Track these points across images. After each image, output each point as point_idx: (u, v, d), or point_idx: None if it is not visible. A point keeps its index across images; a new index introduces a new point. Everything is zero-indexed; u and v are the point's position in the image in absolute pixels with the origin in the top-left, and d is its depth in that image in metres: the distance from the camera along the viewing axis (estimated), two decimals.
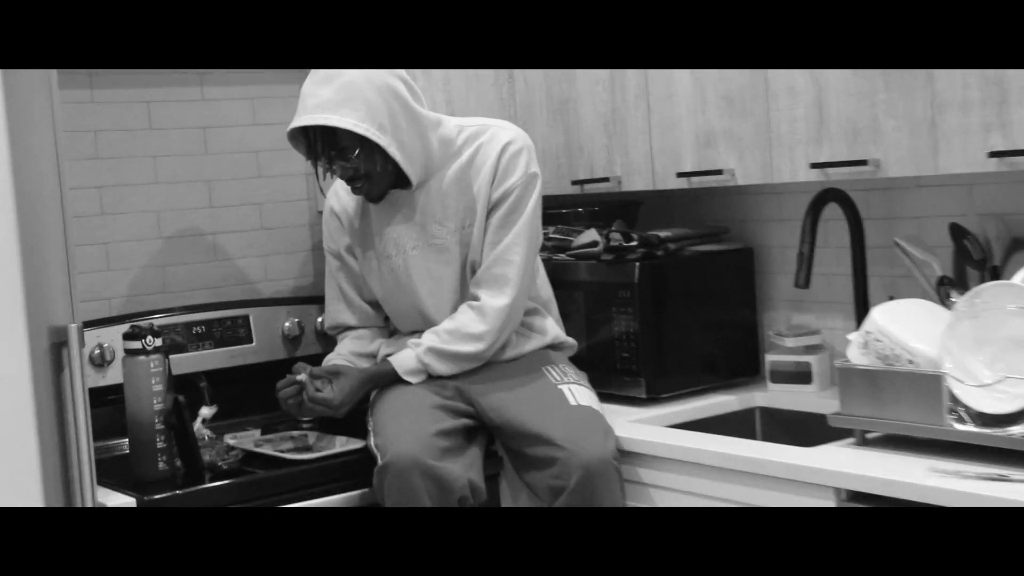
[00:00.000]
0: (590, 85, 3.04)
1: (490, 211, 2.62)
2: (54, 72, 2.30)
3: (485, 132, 2.64)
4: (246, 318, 3.04)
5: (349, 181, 2.59)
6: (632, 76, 2.96)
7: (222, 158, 3.12)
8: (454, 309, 2.68)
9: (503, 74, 3.16)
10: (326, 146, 2.51)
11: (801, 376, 2.87)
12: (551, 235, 3.06)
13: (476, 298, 2.63)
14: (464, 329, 2.61)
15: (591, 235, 2.96)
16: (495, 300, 2.59)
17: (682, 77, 2.85)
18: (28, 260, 1.97)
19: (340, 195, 2.75)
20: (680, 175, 2.83)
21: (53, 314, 2.14)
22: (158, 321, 2.91)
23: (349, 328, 2.82)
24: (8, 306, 1.92)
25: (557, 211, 3.15)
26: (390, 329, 2.84)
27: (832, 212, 2.71)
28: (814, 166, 2.59)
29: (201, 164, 3.09)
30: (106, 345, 2.87)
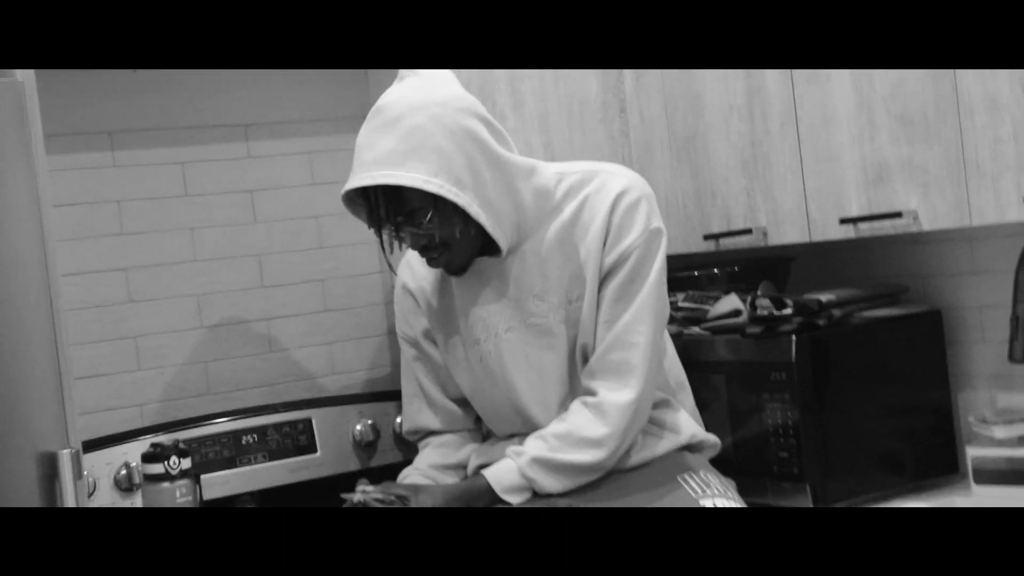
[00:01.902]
0: (722, 114, 2.74)
1: (603, 280, 2.29)
2: (37, 129, 2.07)
3: (592, 180, 2.31)
4: (308, 422, 2.80)
5: (423, 251, 2.30)
6: (775, 98, 2.61)
7: (274, 227, 2.92)
8: (562, 406, 2.35)
9: (612, 108, 2.94)
10: (391, 210, 2.23)
11: (1016, 476, 2.50)
12: (680, 304, 2.81)
13: (592, 392, 2.30)
14: (579, 432, 2.28)
15: (731, 302, 2.71)
16: (617, 395, 2.26)
17: (842, 94, 2.48)
18: None
19: (414, 267, 2.48)
20: (844, 221, 2.51)
21: (39, 439, 1.99)
22: (202, 430, 2.69)
23: (431, 433, 2.55)
24: None
25: (686, 274, 2.89)
26: (483, 432, 2.54)
27: None
28: None
29: (249, 235, 2.89)
30: (134, 465, 2.60)
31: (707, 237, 2.81)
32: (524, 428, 2.37)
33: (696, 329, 2.76)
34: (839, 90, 2.48)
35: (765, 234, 2.68)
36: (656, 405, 2.38)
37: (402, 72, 2.26)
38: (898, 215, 2.37)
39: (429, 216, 2.21)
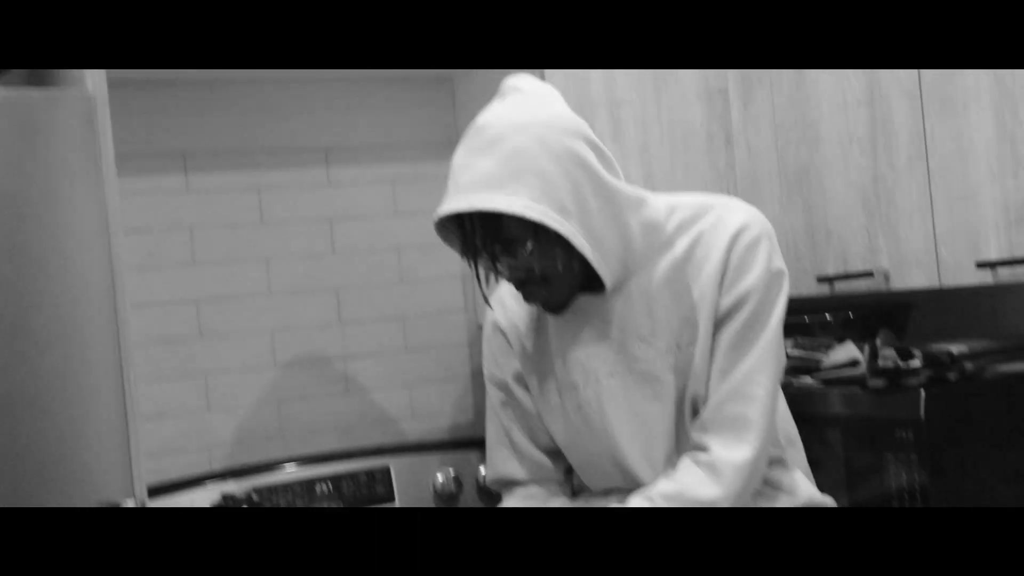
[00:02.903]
0: (840, 147, 2.61)
1: (718, 324, 2.15)
2: (108, 148, 2.03)
3: (706, 214, 2.19)
4: (386, 471, 2.77)
5: (520, 285, 2.16)
6: (902, 130, 2.47)
7: (354, 258, 2.88)
8: (667, 462, 2.21)
9: (718, 138, 2.83)
10: (488, 238, 2.10)
11: None
12: (789, 352, 2.68)
13: (704, 448, 2.16)
14: (690, 493, 2.14)
15: (848, 351, 2.59)
16: (733, 452, 2.13)
17: (980, 125, 2.33)
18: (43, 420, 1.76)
19: (507, 304, 2.35)
20: (982, 265, 2.36)
21: (102, 487, 1.91)
22: (273, 477, 2.63)
23: (517, 483, 2.42)
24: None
25: (797, 319, 2.74)
26: (574, 484, 2.41)
27: None
28: None
29: (327, 267, 2.86)
30: None
31: (821, 279, 2.69)
32: (624, 484, 2.25)
33: (808, 379, 2.64)
34: (977, 121, 2.34)
35: (887, 277, 2.55)
36: (769, 464, 2.24)
37: (503, 88, 2.14)
38: None
39: (529, 247, 2.08)
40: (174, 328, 2.63)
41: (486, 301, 2.26)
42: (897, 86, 2.44)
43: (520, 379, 2.30)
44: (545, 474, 2.34)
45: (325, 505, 2.63)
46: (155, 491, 2.41)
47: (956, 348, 2.47)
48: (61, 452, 1.88)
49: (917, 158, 2.45)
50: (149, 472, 2.34)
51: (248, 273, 2.72)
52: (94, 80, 2.00)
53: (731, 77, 2.78)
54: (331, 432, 2.79)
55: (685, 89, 2.73)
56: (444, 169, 2.17)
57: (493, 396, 2.36)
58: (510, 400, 2.32)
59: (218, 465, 2.65)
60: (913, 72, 2.40)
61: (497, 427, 2.38)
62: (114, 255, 1.98)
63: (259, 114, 2.70)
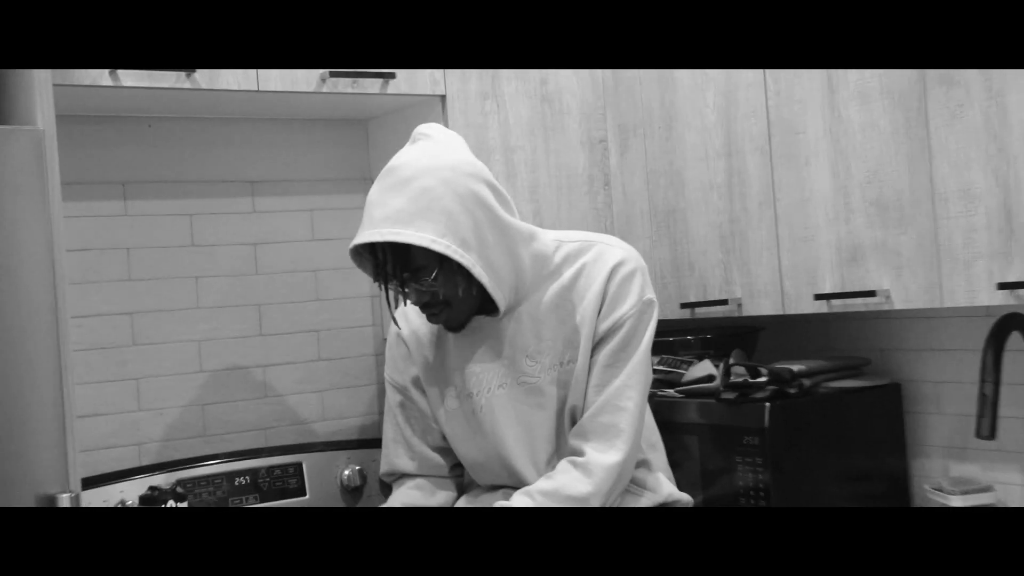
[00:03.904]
0: (702, 192, 2.63)
1: (596, 345, 2.14)
2: (55, 177, 1.95)
3: (589, 250, 2.18)
4: (299, 466, 2.63)
5: (425, 308, 2.14)
6: (755, 179, 2.51)
7: (275, 279, 2.77)
8: (548, 463, 2.20)
9: (598, 181, 2.83)
10: (398, 266, 2.08)
11: None
12: (655, 367, 2.66)
13: (579, 452, 2.14)
14: (565, 491, 2.10)
15: (706, 368, 2.58)
16: (604, 456, 2.10)
17: (819, 178, 2.37)
18: None
19: (411, 319, 2.31)
20: (819, 297, 2.39)
21: (40, 480, 1.82)
22: (197, 471, 2.52)
23: (407, 476, 2.36)
24: None
25: (663, 339, 2.72)
26: (464, 481, 2.36)
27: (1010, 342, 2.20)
28: (1003, 287, 2.05)
29: (251, 286, 2.74)
30: (130, 503, 2.42)
31: (684, 305, 2.69)
32: (509, 481, 2.21)
33: (671, 392, 2.63)
34: (817, 174, 2.37)
35: (740, 305, 2.56)
36: (635, 465, 2.21)
37: (414, 134, 2.11)
38: (872, 293, 2.26)
39: (434, 274, 2.06)
40: (110, 337, 2.54)
41: (394, 320, 2.23)
42: (751, 142, 2.46)
43: (417, 383, 2.29)
44: (434, 469, 2.32)
45: (243, 497, 2.52)
46: (89, 482, 2.32)
47: (796, 367, 2.50)
48: (3, 448, 1.79)
49: (766, 204, 2.46)
50: (84, 465, 2.26)
51: (179, 289, 2.63)
52: (44, 115, 1.93)
53: (610, 128, 2.77)
54: (251, 432, 2.70)
55: (569, 138, 2.73)
56: (358, 201, 2.14)
57: (391, 397, 2.35)
58: (406, 401, 2.31)
59: (147, 460, 2.55)
60: (764, 130, 2.42)
61: (393, 425, 2.36)
62: (57, 271, 1.90)
63: (193, 149, 2.62)
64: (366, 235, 2.05)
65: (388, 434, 2.38)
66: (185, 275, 2.64)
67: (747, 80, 2.44)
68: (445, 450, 2.33)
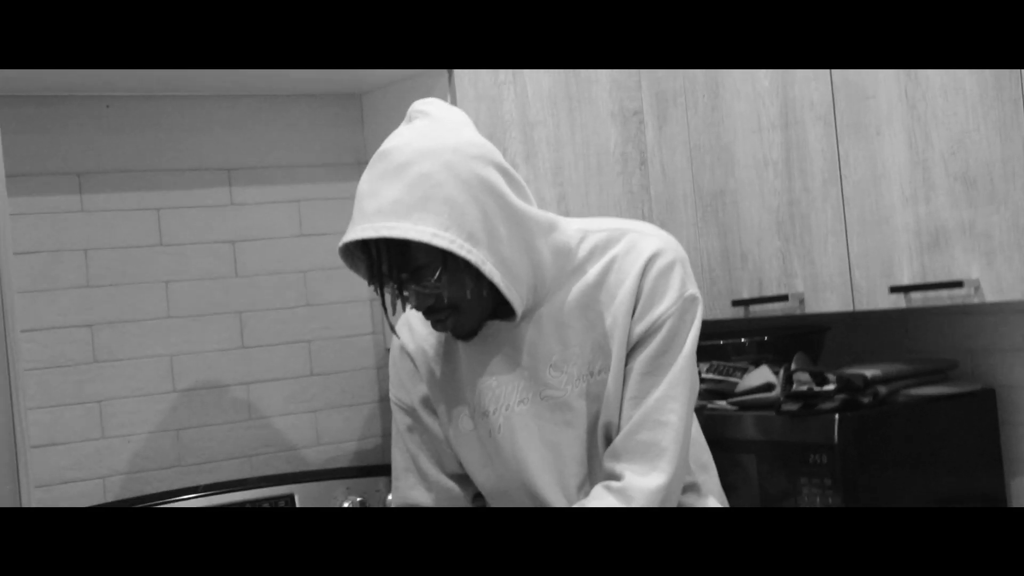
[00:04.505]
0: (755, 170, 2.62)
1: (631, 351, 2.14)
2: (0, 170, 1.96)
3: (620, 240, 2.18)
4: (290, 498, 2.74)
5: (428, 313, 2.14)
6: (817, 153, 2.49)
7: (258, 281, 2.84)
8: (580, 490, 2.20)
9: (632, 159, 2.83)
10: (395, 266, 2.08)
11: None
12: (704, 376, 2.70)
13: (616, 476, 2.15)
14: None
15: (763, 375, 2.59)
16: (646, 480, 2.11)
17: (893, 150, 2.36)
18: None
19: (415, 328, 2.32)
20: (895, 290, 2.39)
21: None
22: (171, 505, 2.58)
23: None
24: None
25: (712, 343, 2.75)
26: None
27: None
28: None
29: (230, 290, 2.81)
30: None
31: (736, 303, 2.70)
32: None
33: (722, 404, 2.64)
34: (890, 146, 2.36)
35: (802, 302, 2.56)
36: (683, 490, 2.22)
37: (411, 111, 2.11)
38: (958, 284, 2.25)
39: (437, 274, 2.06)
40: (67, 353, 2.58)
41: (392, 330, 2.24)
42: (811, 110, 2.46)
43: (427, 403, 2.28)
44: (453, 500, 2.32)
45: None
46: None
47: (870, 372, 2.49)
48: None
49: (832, 182, 2.47)
50: (40, 503, 2.28)
51: (146, 296, 2.67)
52: None
53: (645, 98, 2.78)
54: (233, 460, 2.75)
55: (599, 110, 2.74)
56: (352, 190, 2.16)
57: (399, 421, 2.34)
58: (416, 425, 2.30)
59: (113, 496, 2.59)
60: (827, 96, 2.42)
61: (403, 452, 2.35)
62: (3, 278, 1.91)
63: (158, 132, 2.65)
64: (357, 231, 2.05)
65: (398, 463, 2.42)
66: (153, 279, 2.68)
67: None
68: (464, 478, 2.35)
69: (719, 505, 2.32)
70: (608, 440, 2.16)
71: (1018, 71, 2.11)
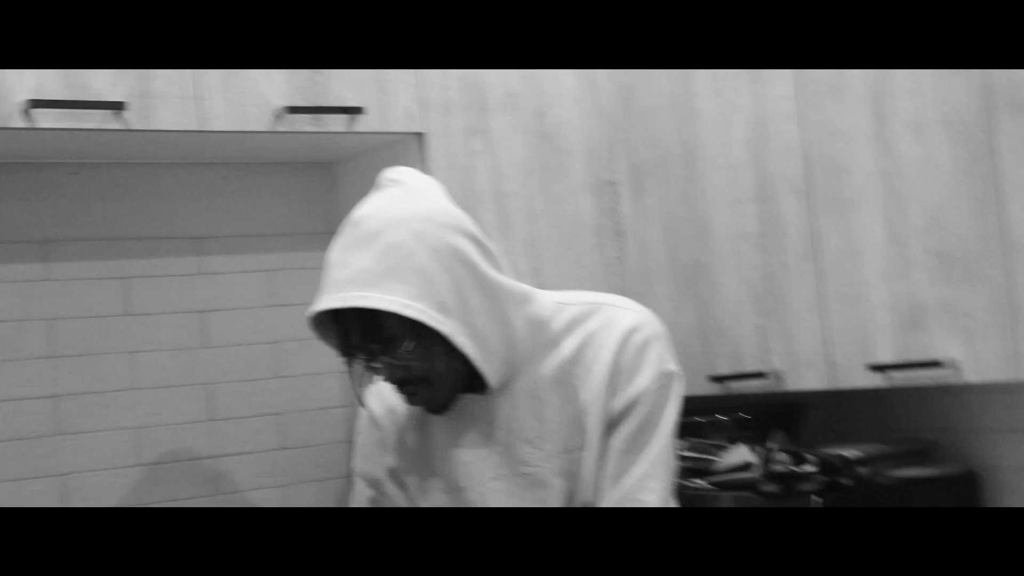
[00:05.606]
0: (732, 243, 2.65)
1: (609, 428, 2.13)
2: None
3: (596, 314, 2.17)
4: None
5: (400, 386, 2.13)
6: (793, 227, 2.53)
7: (227, 352, 2.82)
8: None
9: (607, 230, 2.85)
10: (365, 337, 2.07)
11: None
12: (682, 453, 2.66)
13: None
14: None
15: (742, 454, 2.63)
16: None
17: (870, 225, 2.39)
18: None
19: (385, 397, 2.30)
20: (874, 368, 2.41)
21: None
22: None
23: None
24: None
25: (689, 419, 2.65)
26: None
27: None
28: None
29: (198, 361, 2.79)
30: None
31: (713, 379, 2.71)
32: None
33: (700, 482, 2.64)
34: (867, 220, 2.39)
35: (780, 379, 2.58)
36: None
37: (381, 179, 2.11)
38: (937, 364, 2.27)
39: (409, 346, 2.05)
40: (29, 426, 2.54)
41: (360, 402, 2.21)
42: (787, 183, 2.49)
43: (395, 475, 2.26)
44: None
45: None
46: None
47: (850, 453, 2.51)
48: None
49: (808, 257, 2.50)
50: None
51: (111, 367, 2.65)
52: None
53: (620, 169, 2.81)
54: None
55: (574, 181, 2.75)
56: (324, 259, 2.15)
57: (360, 493, 2.32)
58: (380, 497, 2.29)
59: None
60: (801, 169, 2.46)
61: None
62: None
63: (126, 200, 2.64)
64: (326, 301, 2.05)
65: None
66: (119, 350, 2.66)
67: (779, 110, 2.49)
68: None
69: None
70: None
71: (991, 146, 2.14)
